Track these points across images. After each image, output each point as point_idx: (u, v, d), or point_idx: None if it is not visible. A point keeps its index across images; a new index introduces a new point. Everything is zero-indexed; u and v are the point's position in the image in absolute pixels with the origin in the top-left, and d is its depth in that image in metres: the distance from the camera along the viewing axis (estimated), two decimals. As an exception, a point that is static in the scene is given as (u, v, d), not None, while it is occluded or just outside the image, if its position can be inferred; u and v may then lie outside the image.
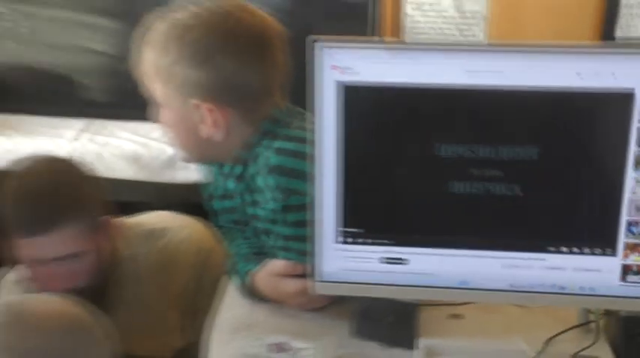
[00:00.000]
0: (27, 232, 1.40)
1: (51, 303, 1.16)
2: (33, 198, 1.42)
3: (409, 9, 2.17)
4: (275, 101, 1.38)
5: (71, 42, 2.40)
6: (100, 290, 1.49)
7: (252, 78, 1.32)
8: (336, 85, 1.07)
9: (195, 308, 1.59)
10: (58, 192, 1.44)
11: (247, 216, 1.42)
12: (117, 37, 2.39)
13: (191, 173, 2.10)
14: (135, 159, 2.13)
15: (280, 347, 1.21)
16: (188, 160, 1.49)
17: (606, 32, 2.23)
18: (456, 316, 1.30)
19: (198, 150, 1.41)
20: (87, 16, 2.37)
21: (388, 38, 2.18)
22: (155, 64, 1.31)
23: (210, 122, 1.32)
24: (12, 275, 1.57)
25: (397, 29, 2.21)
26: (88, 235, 1.44)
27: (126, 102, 2.35)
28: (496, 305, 1.30)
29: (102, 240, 1.49)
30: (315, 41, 1.05)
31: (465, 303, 1.30)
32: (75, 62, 2.42)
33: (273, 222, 1.31)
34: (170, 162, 2.13)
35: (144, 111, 2.32)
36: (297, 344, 1.21)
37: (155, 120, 1.43)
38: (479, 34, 2.21)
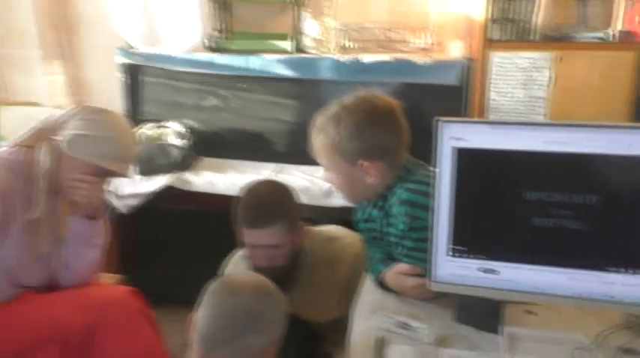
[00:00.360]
0: (250, 226, 1.43)
1: (249, 276, 1.14)
2: (256, 204, 1.45)
3: (493, 95, 2.09)
4: (404, 154, 1.36)
5: (267, 114, 2.46)
6: (288, 271, 1.49)
7: (391, 140, 1.31)
8: (452, 149, 1.05)
9: (348, 291, 1.55)
10: (273, 201, 1.46)
11: (383, 234, 1.39)
12: (295, 112, 2.44)
13: (341, 201, 2.10)
14: (305, 190, 2.14)
15: (404, 325, 1.16)
16: (351, 202, 1.45)
17: (639, 110, 2.06)
18: (530, 312, 1.22)
19: (359, 194, 1.39)
20: (277, 99, 2.44)
21: (482, 118, 2.10)
22: (324, 144, 1.32)
23: (369, 174, 1.31)
24: (240, 252, 1.61)
25: (482, 107, 2.14)
26: (288, 233, 1.45)
27: (299, 153, 2.39)
28: (559, 306, 1.19)
29: (296, 238, 1.50)
30: (438, 120, 1.04)
31: (537, 304, 1.21)
32: (269, 127, 2.48)
33: (402, 238, 1.28)
34: (327, 193, 2.13)
35: (310, 159, 2.39)
36: (415, 323, 1.16)
37: (325, 181, 1.43)
38: (541, 112, 2.10)
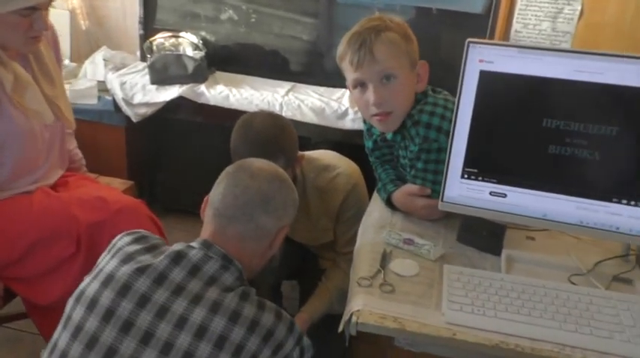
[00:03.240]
0: None
1: (266, 164, 1.14)
2: (253, 142, 1.38)
3: (518, 26, 2.04)
4: None
5: (283, 31, 2.40)
6: None
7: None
8: (478, 72, 1.04)
9: (338, 218, 1.58)
10: (269, 138, 1.38)
11: (393, 156, 1.41)
12: (313, 30, 2.38)
13: (351, 123, 2.11)
14: (320, 112, 2.13)
15: (409, 242, 1.21)
16: (393, 126, 1.33)
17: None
18: (530, 238, 1.26)
19: (407, 109, 1.30)
20: (295, 15, 2.37)
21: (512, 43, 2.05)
22: (395, 41, 1.24)
23: (421, 79, 1.30)
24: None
25: (505, 39, 2.08)
26: (286, 169, 1.36)
27: (316, 73, 2.39)
28: (559, 233, 1.24)
29: (295, 169, 1.47)
30: (470, 42, 1.03)
31: (538, 230, 1.26)
32: (285, 44, 2.42)
33: (416, 159, 1.29)
34: (340, 115, 2.12)
35: (326, 80, 2.36)
36: (419, 241, 1.21)
37: (380, 98, 1.27)
38: (565, 47, 2.05)
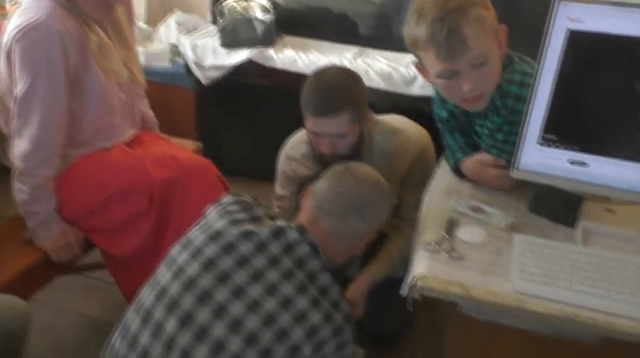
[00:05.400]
0: (316, 114, 1.38)
1: (371, 170, 1.24)
2: (324, 91, 1.38)
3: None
4: None
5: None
6: (348, 159, 1.41)
7: None
8: (565, 31, 0.97)
9: (404, 183, 1.56)
10: (340, 89, 1.39)
11: (466, 124, 1.35)
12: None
13: (420, 89, 2.05)
14: (387, 76, 2.09)
15: (478, 209, 1.18)
16: (484, 104, 1.22)
17: None
18: (610, 211, 1.19)
19: (495, 83, 1.20)
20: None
21: None
22: (484, 19, 1.11)
23: (503, 41, 1.18)
24: (301, 134, 1.59)
25: None
26: (354, 122, 1.40)
27: (384, 37, 2.32)
28: (641, 208, 1.16)
29: (361, 127, 1.46)
30: (559, -1, 0.95)
31: (619, 203, 1.18)
32: (354, 7, 2.36)
33: (497, 130, 1.24)
34: (408, 81, 2.07)
35: (394, 44, 2.30)
36: (489, 209, 1.18)
37: (475, 81, 1.15)
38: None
